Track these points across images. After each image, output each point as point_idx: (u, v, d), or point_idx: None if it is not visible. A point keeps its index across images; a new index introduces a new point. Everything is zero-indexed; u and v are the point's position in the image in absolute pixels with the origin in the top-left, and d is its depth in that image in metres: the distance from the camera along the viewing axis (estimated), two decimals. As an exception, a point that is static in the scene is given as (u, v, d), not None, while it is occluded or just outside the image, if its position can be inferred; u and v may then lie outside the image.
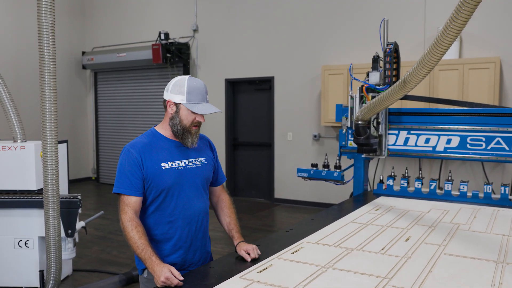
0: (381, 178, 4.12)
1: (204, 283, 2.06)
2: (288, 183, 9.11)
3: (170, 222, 2.46)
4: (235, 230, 2.60)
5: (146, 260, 2.19)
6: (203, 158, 2.60)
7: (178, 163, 2.47)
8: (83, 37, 11.94)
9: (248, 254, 2.36)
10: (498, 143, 3.60)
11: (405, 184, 3.97)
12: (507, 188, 3.60)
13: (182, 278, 2.06)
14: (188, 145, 2.49)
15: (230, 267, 2.24)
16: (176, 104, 2.44)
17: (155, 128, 2.56)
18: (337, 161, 4.11)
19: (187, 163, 2.51)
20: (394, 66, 3.74)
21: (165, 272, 2.06)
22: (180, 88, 2.42)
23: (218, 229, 6.89)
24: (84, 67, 11.82)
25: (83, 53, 11.80)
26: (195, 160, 2.55)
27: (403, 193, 3.95)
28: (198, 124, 2.48)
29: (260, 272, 2.13)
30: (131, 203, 2.35)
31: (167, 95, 2.46)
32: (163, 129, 2.53)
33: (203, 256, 2.61)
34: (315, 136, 8.70)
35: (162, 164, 2.42)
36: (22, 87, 10.15)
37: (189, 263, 2.52)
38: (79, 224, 4.73)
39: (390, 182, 4.02)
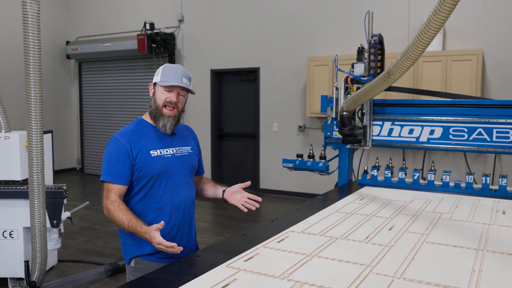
0: (366, 169, 4.17)
1: (191, 271, 2.08)
2: (273, 174, 9.16)
3: (158, 209, 2.51)
4: (217, 185, 2.81)
5: (136, 232, 2.26)
6: (189, 147, 2.67)
7: (167, 151, 2.53)
8: (67, 26, 11.81)
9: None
10: (479, 134, 3.66)
11: (389, 175, 4.02)
12: (488, 178, 3.66)
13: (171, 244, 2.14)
14: (160, 128, 2.51)
15: (216, 256, 2.26)
16: (154, 86, 2.53)
17: (142, 117, 2.62)
18: (322, 151, 4.14)
19: (174, 151, 2.57)
20: (379, 57, 3.78)
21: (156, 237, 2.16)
22: (158, 71, 2.52)
23: (203, 219, 6.94)
24: (68, 56, 11.70)
25: (67, 42, 11.68)
26: (182, 148, 2.62)
27: (387, 183, 4.00)
28: (170, 105, 2.48)
29: (246, 260, 2.16)
30: (115, 189, 2.41)
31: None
32: (149, 117, 2.58)
33: (189, 243, 2.66)
34: (300, 127, 8.74)
35: (151, 152, 2.47)
36: (5, 77, 10.04)
37: None
38: (65, 215, 4.71)
39: (375, 172, 4.06)
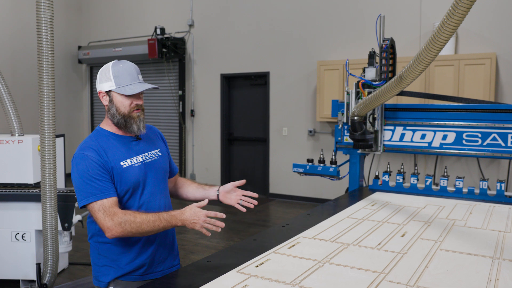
0: (377, 174, 4.14)
1: (202, 276, 2.07)
2: (283, 179, 9.13)
3: None
4: (205, 186, 2.60)
5: (171, 222, 2.13)
6: (157, 150, 2.46)
7: (136, 159, 2.31)
8: (79, 31, 11.91)
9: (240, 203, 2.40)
10: (494, 139, 3.61)
11: (401, 180, 3.98)
12: (502, 184, 3.61)
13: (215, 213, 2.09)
14: (135, 132, 2.31)
15: (227, 261, 2.25)
16: (108, 93, 2.27)
17: (100, 126, 2.38)
18: (333, 156, 4.12)
19: (143, 157, 2.35)
20: (390, 62, 3.75)
21: (198, 212, 2.09)
22: (106, 75, 2.25)
23: (214, 223, 6.91)
24: (80, 61, 11.79)
25: (79, 47, 11.77)
26: (150, 153, 2.40)
27: (398, 189, 3.97)
28: (139, 108, 2.29)
29: (257, 266, 2.14)
30: (109, 204, 2.14)
31: (98, 87, 2.30)
32: (108, 125, 2.35)
33: (171, 256, 2.49)
34: (310, 131, 8.72)
35: (122, 163, 2.25)
36: (19, 81, 10.12)
37: (158, 262, 2.41)
38: (76, 218, 4.73)
39: (386, 177, 4.03)
